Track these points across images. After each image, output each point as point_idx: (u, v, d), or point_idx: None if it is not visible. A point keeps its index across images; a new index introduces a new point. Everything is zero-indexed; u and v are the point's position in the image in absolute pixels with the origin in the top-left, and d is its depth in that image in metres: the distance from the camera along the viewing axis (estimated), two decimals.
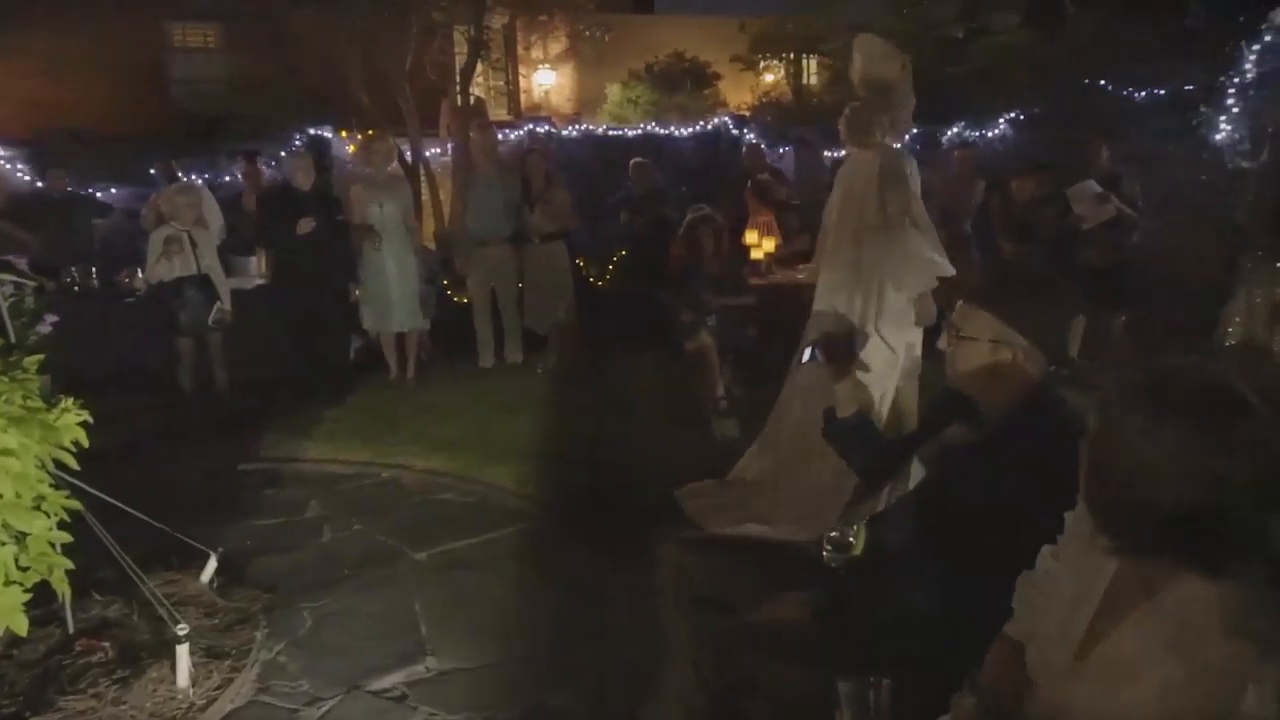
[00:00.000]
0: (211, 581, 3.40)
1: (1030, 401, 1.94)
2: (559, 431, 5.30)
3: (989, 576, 1.75)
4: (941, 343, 2.06)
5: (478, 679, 2.87)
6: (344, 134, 10.47)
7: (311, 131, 10.43)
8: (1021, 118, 10.13)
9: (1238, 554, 1.26)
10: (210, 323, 5.62)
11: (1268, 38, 7.87)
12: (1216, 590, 1.27)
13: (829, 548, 2.01)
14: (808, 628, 1.96)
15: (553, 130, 11.80)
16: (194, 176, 8.86)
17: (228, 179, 9.22)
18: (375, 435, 5.26)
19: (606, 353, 6.92)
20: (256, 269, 6.30)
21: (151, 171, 8.81)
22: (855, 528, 2.03)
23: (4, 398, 2.57)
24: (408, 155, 9.66)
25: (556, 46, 14.48)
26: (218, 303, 5.61)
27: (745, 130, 11.61)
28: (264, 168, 8.37)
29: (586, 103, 15.15)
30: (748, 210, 7.10)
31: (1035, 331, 1.95)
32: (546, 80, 15.26)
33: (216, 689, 2.77)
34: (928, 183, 8.03)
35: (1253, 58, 7.90)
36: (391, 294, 6.32)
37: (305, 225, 5.82)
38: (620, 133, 12.03)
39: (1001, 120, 10.39)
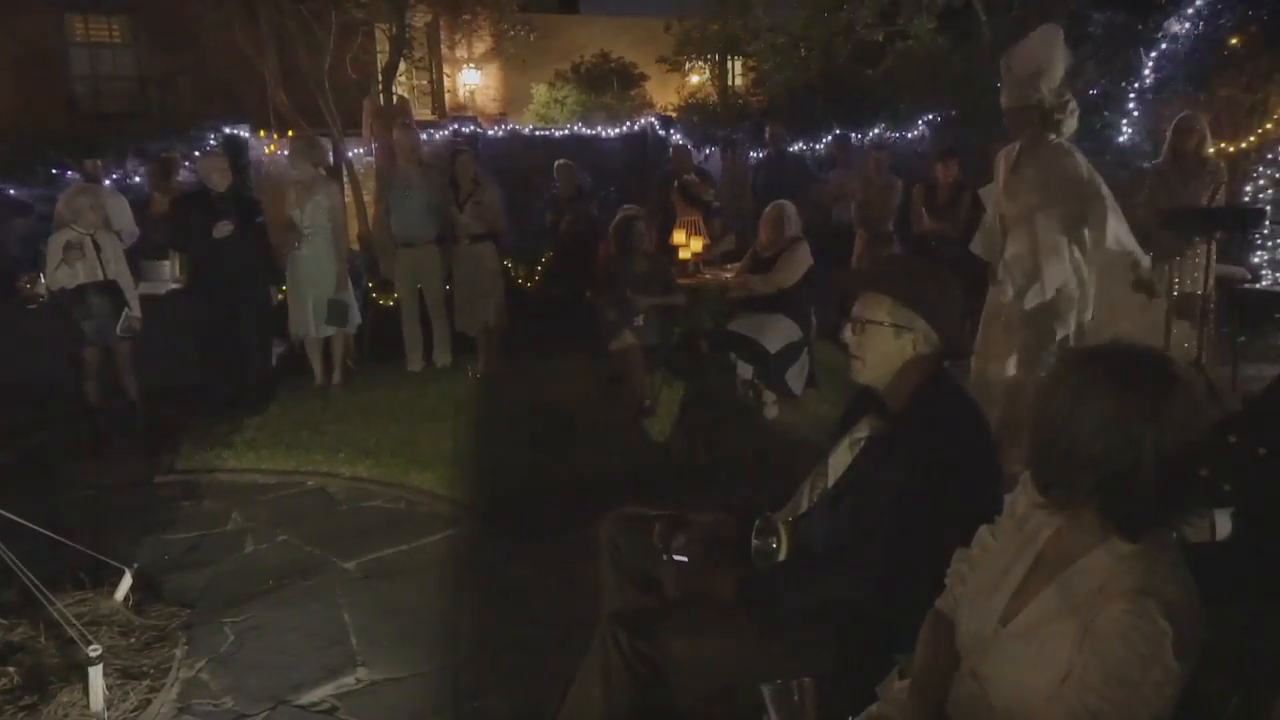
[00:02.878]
0: (126, 599, 3.26)
1: (930, 383, 2.01)
2: (488, 435, 5.25)
3: (912, 565, 1.80)
4: (845, 334, 2.11)
5: (409, 688, 2.82)
6: (262, 134, 10.19)
7: (227, 131, 10.11)
8: (938, 120, 10.44)
9: (1152, 519, 1.35)
10: (119, 331, 5.38)
11: (1164, 45, 8.29)
12: (1130, 554, 1.35)
13: (756, 557, 2.04)
14: (734, 610, 1.99)
15: (478, 130, 11.69)
16: (106, 180, 8.49)
17: (138, 179, 8.87)
18: (300, 443, 5.13)
19: (535, 355, 6.90)
20: (170, 273, 6.06)
21: (68, 173, 8.41)
22: (776, 534, 2.07)
23: None
24: (330, 156, 9.45)
25: (481, 46, 14.36)
26: (126, 310, 5.38)
27: (671, 131, 11.69)
28: (179, 168, 8.07)
29: (512, 103, 15.04)
30: (675, 211, 7.16)
31: (931, 315, 2.02)
32: (471, 80, 15.10)
33: (133, 711, 2.66)
34: (846, 184, 8.26)
35: (1150, 64, 8.31)
36: (316, 298, 6.16)
37: (223, 228, 5.63)
38: (547, 133, 11.99)
39: (920, 122, 10.69)
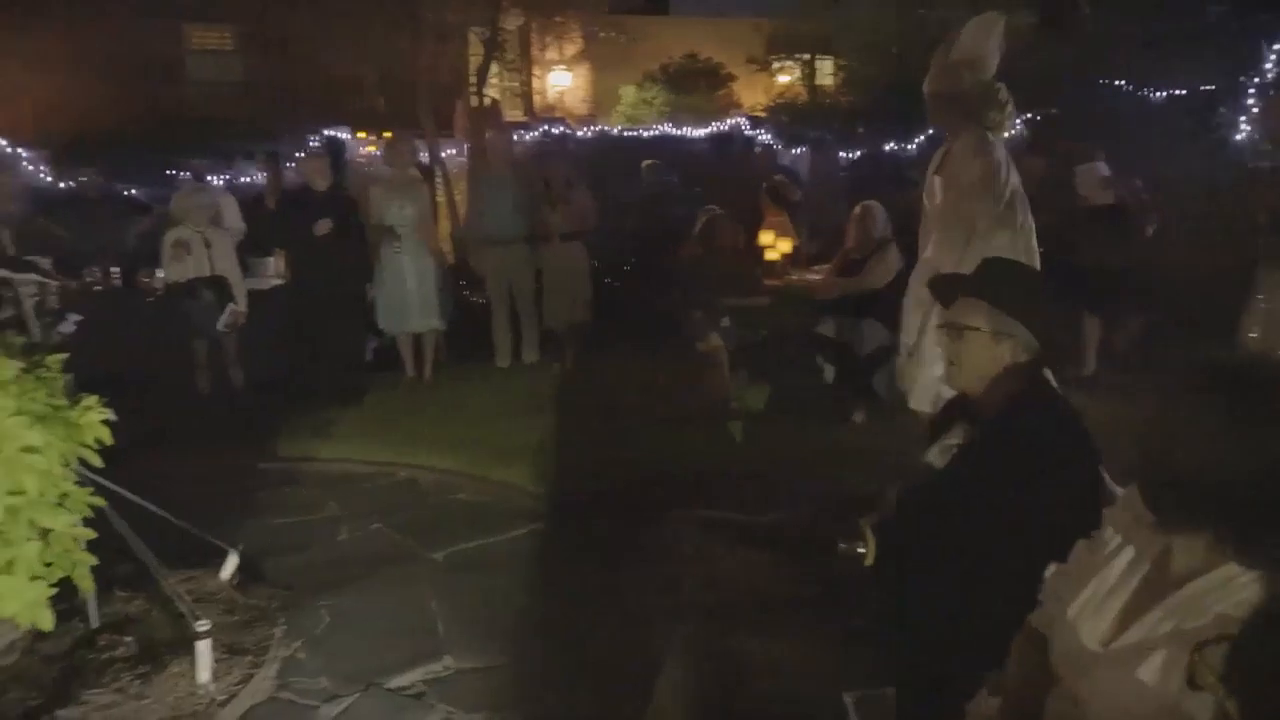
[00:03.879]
0: (231, 579, 3.43)
1: (1027, 391, 1.95)
2: (573, 432, 5.32)
3: (1004, 578, 1.75)
4: (940, 339, 2.07)
5: (493, 679, 2.88)
6: (361, 135, 10.54)
7: (327, 132, 10.51)
8: (1037, 118, 10.08)
9: (1274, 545, 1.29)
10: (220, 326, 5.66)
11: None
12: (1247, 579, 1.29)
13: (842, 561, 2.01)
14: (816, 620, 1.97)
15: (567, 131, 11.84)
16: (212, 178, 8.95)
17: (245, 180, 9.30)
18: (392, 435, 5.30)
19: (620, 353, 6.94)
20: (274, 269, 6.35)
21: (177, 173, 8.89)
22: (864, 539, 2.04)
23: (28, 395, 2.61)
24: (424, 156, 9.72)
25: (571, 48, 14.53)
26: (230, 305, 5.65)
27: (760, 132, 11.62)
28: (284, 168, 8.44)
29: (601, 104, 15.19)
30: (762, 212, 7.12)
31: (1030, 322, 1.96)
32: (561, 81, 15.31)
33: (236, 685, 2.79)
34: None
35: (1273, 57, 7.84)
36: (408, 294, 6.35)
37: (322, 226, 5.86)
38: (634, 134, 12.07)
39: (1018, 121, 10.35)
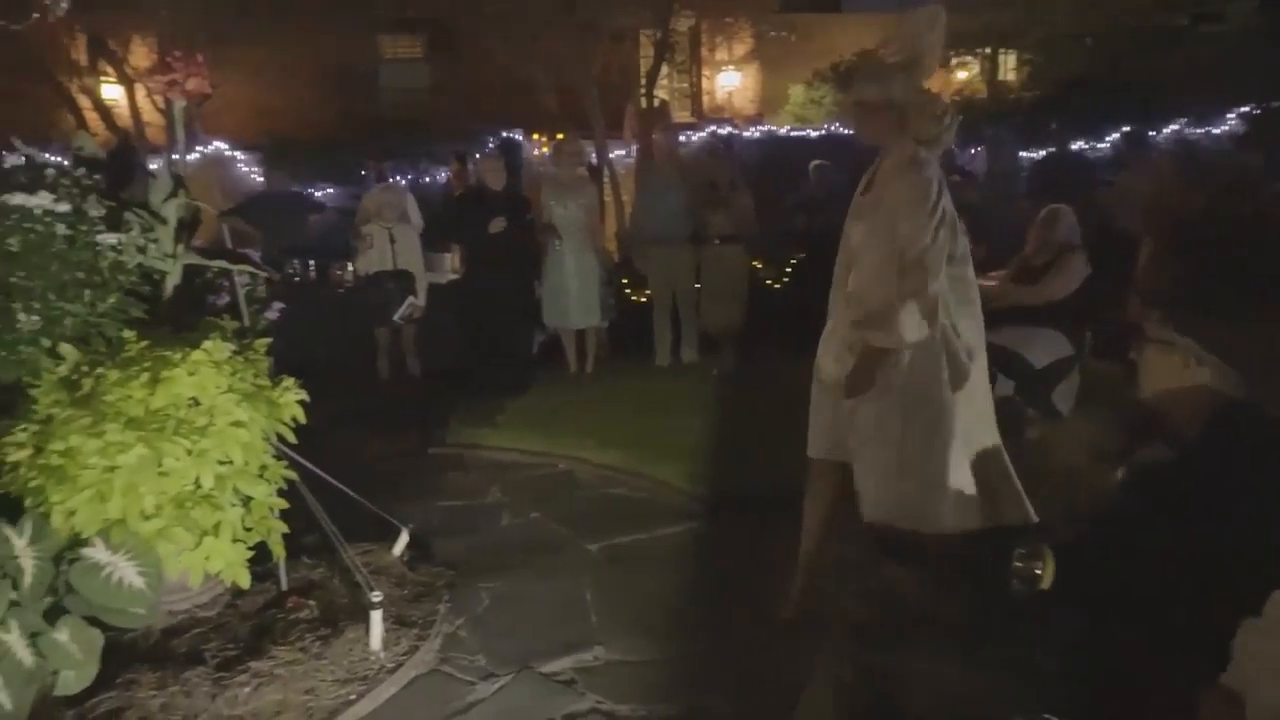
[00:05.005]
0: (402, 555, 3.65)
1: (1225, 415, 1.78)
2: (730, 433, 5.30)
3: (1190, 619, 1.61)
4: (1133, 353, 1.92)
5: (642, 673, 2.92)
6: (536, 136, 10.95)
7: (505, 134, 10.98)
8: (1257, 110, 9.13)
9: None
10: (398, 317, 6.02)
11: None
12: None
13: (1016, 580, 1.91)
14: (976, 642, 1.88)
15: (734, 131, 11.82)
16: (398, 177, 9.56)
17: (428, 179, 9.88)
18: (554, 427, 5.46)
19: (780, 355, 6.84)
20: (450, 264, 6.71)
21: (362, 172, 9.57)
22: (1042, 560, 1.92)
23: (238, 375, 2.88)
24: (593, 157, 9.97)
25: (741, 48, 14.49)
26: (410, 297, 6.02)
27: None
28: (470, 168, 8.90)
29: (769, 104, 15.06)
30: None
31: (1232, 343, 1.78)
32: (730, 82, 15.28)
33: (403, 655, 2.97)
34: (1134, 187, 7.40)
35: None
36: (571, 292, 6.54)
37: (497, 224, 6.13)
38: (803, 133, 11.89)
39: (1230, 116, 9.42)
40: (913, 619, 2.10)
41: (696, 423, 5.47)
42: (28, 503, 2.63)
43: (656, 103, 11.54)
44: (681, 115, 14.34)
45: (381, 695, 2.79)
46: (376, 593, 3.02)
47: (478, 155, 9.07)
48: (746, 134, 11.92)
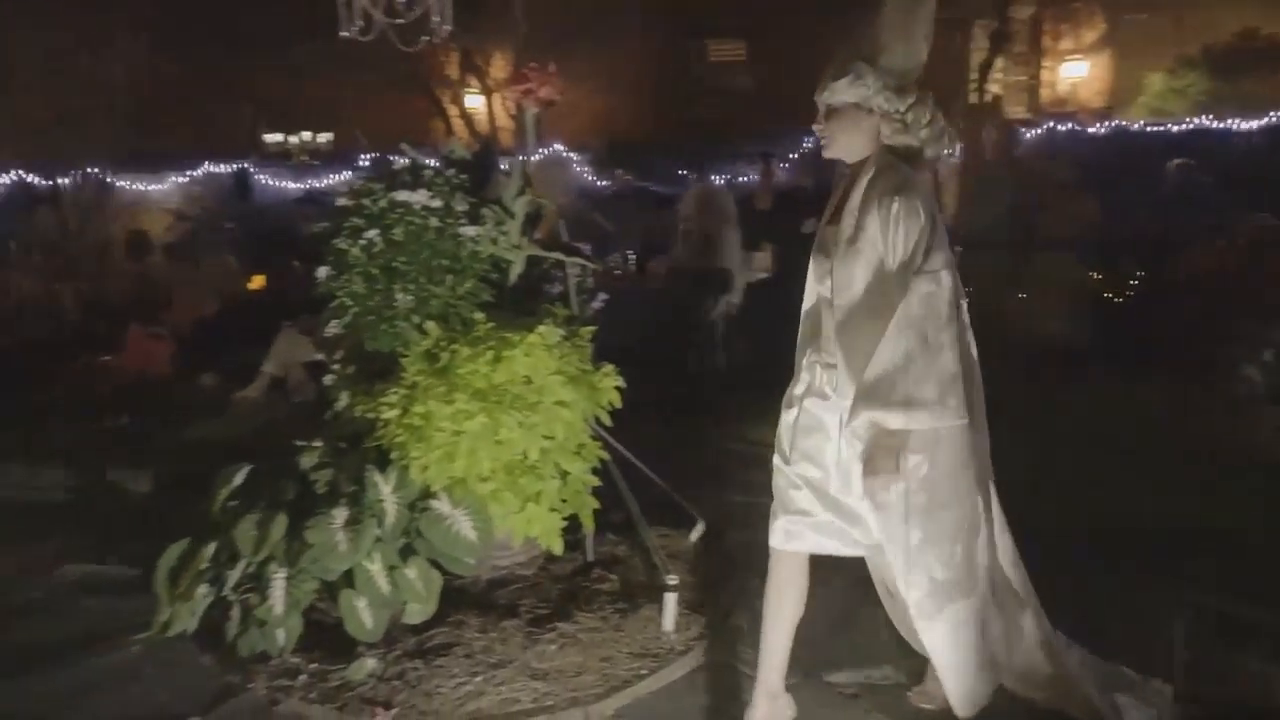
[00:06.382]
0: (696, 544, 3.78)
1: None
2: (1058, 461, 4.79)
3: None
4: None
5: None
6: None
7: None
8: None
9: None
10: (713, 315, 6.20)
11: None
12: None
13: None
14: None
15: (1077, 128, 10.75)
16: (714, 178, 9.87)
17: (742, 179, 10.10)
18: None
19: (1122, 379, 6.10)
20: (762, 263, 6.81)
21: (681, 172, 10.02)
22: None
23: (565, 359, 3.15)
24: None
25: (1091, 34, 13.11)
26: (725, 296, 6.19)
27: None
28: (775, 169, 8.99)
29: (1120, 96, 13.48)
30: None
31: None
32: (1075, 72, 13.88)
33: (693, 639, 3.08)
34: None
35: None
36: None
37: (810, 225, 6.10)
38: (1160, 128, 10.52)
39: None
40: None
41: (1018, 448, 5.00)
42: (393, 456, 3.08)
43: (988, 98, 10.81)
44: (1016, 110, 13.29)
45: (670, 675, 2.91)
46: (673, 576, 3.16)
47: (791, 155, 9.12)
48: (1090, 130, 10.77)
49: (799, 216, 6.21)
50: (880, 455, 2.20)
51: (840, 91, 2.28)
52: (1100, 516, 4.05)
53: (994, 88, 11.87)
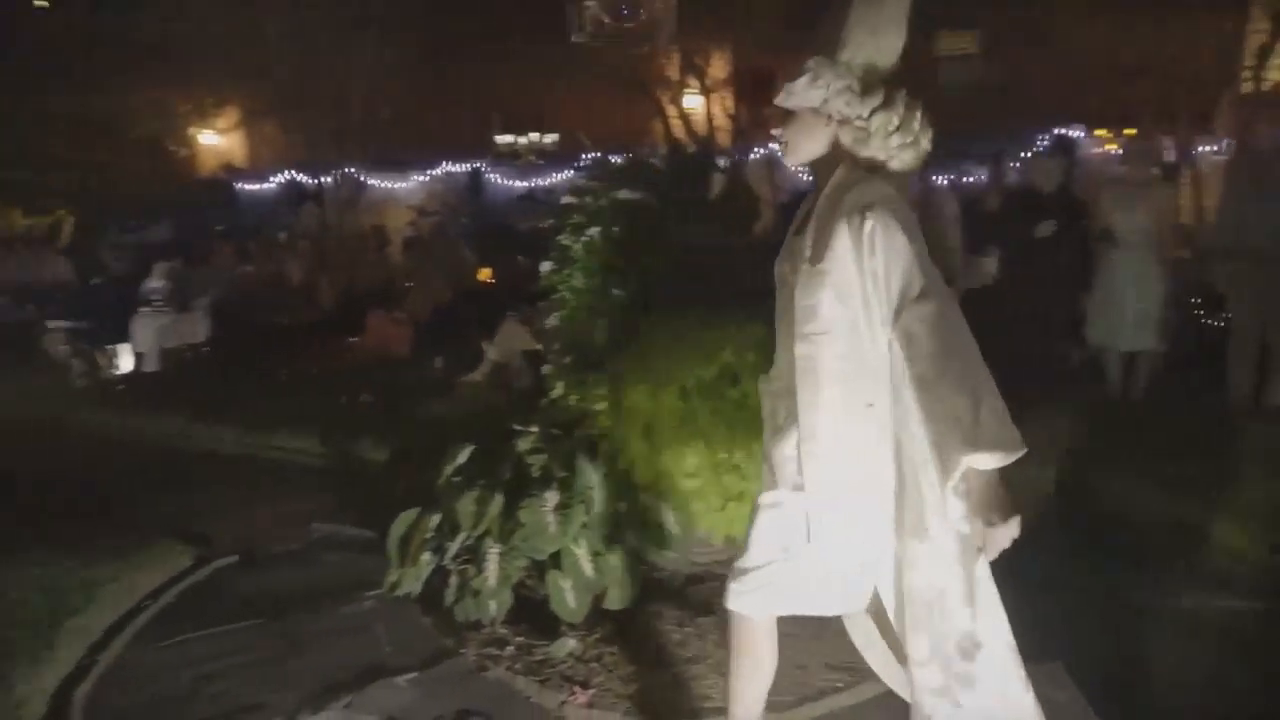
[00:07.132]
0: None
1: None
2: None
3: None
4: None
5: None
6: (1100, 133, 9.90)
7: (1058, 131, 10.11)
8: None
9: None
10: None
11: None
12: None
13: None
14: None
15: None
16: (936, 178, 9.39)
17: (969, 180, 9.55)
18: (1076, 452, 4.90)
19: None
20: (988, 268, 6.42)
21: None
22: None
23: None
24: (1171, 154, 8.66)
25: None
26: None
27: None
28: (1006, 168, 8.43)
29: None
30: None
31: None
32: None
33: None
34: None
35: None
36: (1124, 308, 5.77)
37: (1045, 228, 5.70)
38: None
39: None
40: None
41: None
42: (601, 447, 3.19)
43: (1265, 86, 9.55)
44: None
45: (864, 693, 2.82)
46: None
47: (1024, 154, 8.51)
48: None
49: (1033, 219, 5.80)
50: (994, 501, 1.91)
51: (795, 94, 2.02)
52: None
53: (1275, 74, 10.48)
